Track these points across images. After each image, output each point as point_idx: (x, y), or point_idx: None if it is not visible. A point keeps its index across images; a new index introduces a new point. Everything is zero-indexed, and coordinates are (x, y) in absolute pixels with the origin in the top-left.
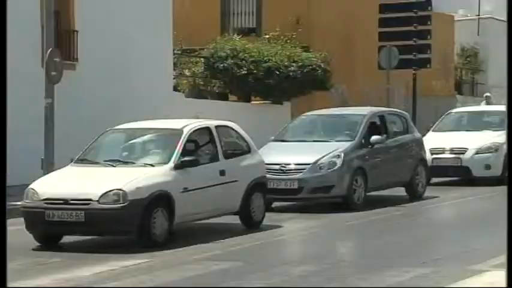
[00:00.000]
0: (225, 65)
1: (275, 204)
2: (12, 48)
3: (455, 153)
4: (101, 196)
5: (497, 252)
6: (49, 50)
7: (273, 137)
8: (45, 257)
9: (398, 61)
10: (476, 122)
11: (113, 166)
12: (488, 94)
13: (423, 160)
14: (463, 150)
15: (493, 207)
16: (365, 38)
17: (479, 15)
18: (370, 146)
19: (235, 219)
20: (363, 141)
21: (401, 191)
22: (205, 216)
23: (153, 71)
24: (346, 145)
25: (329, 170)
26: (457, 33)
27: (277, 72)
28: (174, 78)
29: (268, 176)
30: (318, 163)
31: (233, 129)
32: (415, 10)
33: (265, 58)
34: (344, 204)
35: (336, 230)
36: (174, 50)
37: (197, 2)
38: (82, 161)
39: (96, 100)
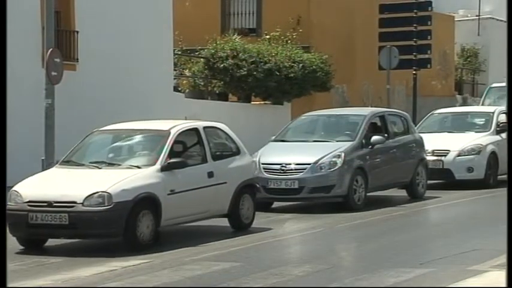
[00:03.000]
0: (225, 65)
1: (275, 204)
2: (12, 49)
3: (436, 156)
4: (85, 198)
5: (497, 253)
6: (49, 50)
7: (273, 137)
8: (45, 257)
9: (398, 61)
10: (459, 123)
11: (99, 168)
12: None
13: (424, 160)
14: (444, 153)
15: (494, 208)
16: (365, 38)
17: (479, 15)
18: (370, 147)
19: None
20: (363, 141)
21: (401, 191)
22: (193, 218)
23: (153, 71)
24: (346, 145)
25: (329, 170)
26: (457, 33)
27: (278, 73)
28: (174, 79)
29: (268, 176)
30: (319, 163)
31: (222, 130)
32: (415, 10)
33: (266, 58)
34: (344, 204)
35: (336, 230)
36: (174, 50)
37: (197, 2)
38: (67, 162)
39: (97, 100)
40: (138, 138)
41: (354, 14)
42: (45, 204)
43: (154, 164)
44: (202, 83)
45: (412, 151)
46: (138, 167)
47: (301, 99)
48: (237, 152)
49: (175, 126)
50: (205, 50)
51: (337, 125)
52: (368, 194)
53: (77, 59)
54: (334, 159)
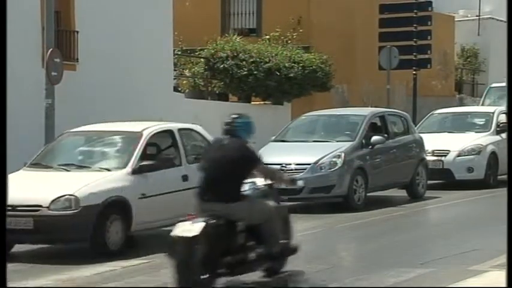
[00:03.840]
0: (225, 65)
1: None
2: (12, 49)
3: (436, 156)
4: (51, 202)
5: (497, 253)
6: (49, 51)
7: (273, 137)
8: (45, 257)
9: (398, 61)
10: (459, 124)
11: (67, 170)
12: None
13: (424, 160)
14: (445, 153)
15: (494, 208)
16: (365, 38)
17: (479, 15)
18: (370, 147)
19: None
20: (363, 141)
21: (401, 191)
22: (168, 223)
23: (153, 71)
24: (346, 145)
25: (330, 170)
26: (457, 33)
27: (278, 73)
28: (174, 79)
29: None
30: (319, 163)
31: (198, 132)
32: (415, 10)
33: (266, 59)
34: (344, 204)
35: (336, 230)
36: (174, 50)
37: (197, 2)
38: (35, 165)
39: (97, 100)
40: (109, 140)
41: (354, 14)
42: (9, 208)
43: (125, 166)
44: (202, 83)
45: (412, 151)
46: (108, 170)
47: (301, 99)
48: None
49: (148, 128)
50: (205, 50)
51: (337, 125)
52: (368, 194)
53: (77, 59)
54: (334, 160)
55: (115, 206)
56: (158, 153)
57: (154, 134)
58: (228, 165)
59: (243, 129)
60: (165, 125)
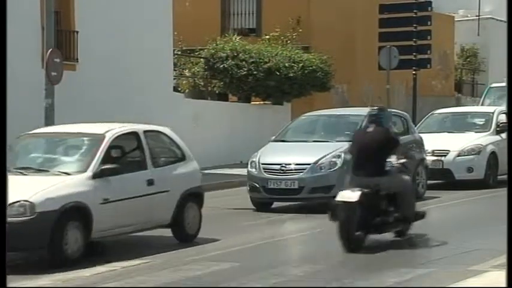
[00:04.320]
0: (225, 65)
1: (275, 204)
2: (12, 49)
3: (436, 156)
4: None
5: (498, 253)
6: (49, 51)
7: (273, 137)
8: (45, 257)
9: (398, 61)
10: (459, 124)
11: (24, 174)
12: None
13: (423, 160)
14: (444, 153)
15: (494, 208)
16: (365, 38)
17: (479, 15)
18: None
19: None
20: None
21: None
22: (131, 230)
23: (153, 72)
24: (346, 145)
25: (329, 170)
26: (457, 33)
27: (278, 73)
28: (174, 79)
29: (268, 176)
30: (319, 163)
31: (165, 134)
32: (415, 10)
33: (266, 59)
34: None
35: (336, 230)
36: (174, 51)
37: (197, 2)
38: None
39: (96, 100)
40: (71, 142)
41: (354, 14)
42: None
43: (85, 170)
44: (202, 83)
45: (412, 151)
46: (68, 174)
47: (301, 99)
48: (182, 158)
49: (111, 129)
50: (205, 50)
51: (337, 125)
52: None
53: (77, 59)
54: (334, 160)
55: (74, 212)
56: (122, 157)
57: (118, 136)
58: (375, 147)
59: (384, 119)
60: (130, 127)
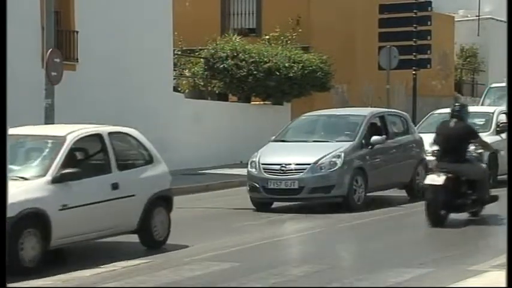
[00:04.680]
0: (225, 65)
1: (275, 204)
2: (12, 49)
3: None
4: None
5: (497, 253)
6: (49, 51)
7: (273, 137)
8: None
9: (398, 61)
10: None
11: None
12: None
13: (423, 160)
14: None
15: (494, 208)
16: (365, 38)
17: (479, 15)
18: (370, 147)
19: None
20: (363, 141)
21: (401, 192)
22: (94, 236)
23: (153, 72)
24: (346, 145)
25: (329, 170)
26: (457, 33)
27: (278, 73)
28: (174, 79)
29: (268, 176)
30: (319, 163)
31: (132, 136)
32: (415, 10)
33: (265, 59)
34: (344, 205)
35: (336, 230)
36: (174, 51)
37: (197, 2)
38: None
39: (96, 100)
40: (29, 145)
41: (354, 14)
42: None
43: (44, 174)
44: (202, 83)
45: (411, 151)
46: (25, 179)
47: (301, 99)
48: (150, 160)
49: (73, 131)
50: (205, 50)
51: (337, 125)
52: (368, 194)
53: (77, 59)
54: (334, 160)
55: (31, 219)
56: (84, 160)
57: (81, 138)
58: (458, 139)
59: (465, 114)
60: (93, 129)
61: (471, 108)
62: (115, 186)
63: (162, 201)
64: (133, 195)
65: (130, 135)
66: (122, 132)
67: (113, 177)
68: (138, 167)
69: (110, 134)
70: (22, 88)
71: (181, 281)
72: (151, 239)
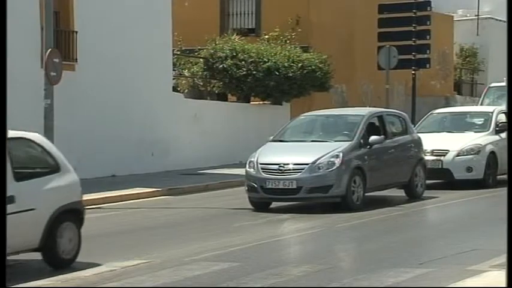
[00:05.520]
0: (225, 65)
1: (274, 204)
2: (11, 49)
3: (436, 155)
4: None
5: (497, 252)
6: (48, 51)
7: (271, 137)
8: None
9: (397, 61)
10: (458, 123)
11: None
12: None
13: (422, 160)
14: (444, 152)
15: (494, 208)
16: (364, 38)
17: (478, 15)
18: (368, 147)
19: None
20: (361, 141)
21: (400, 191)
22: None
23: (153, 72)
24: (344, 145)
25: (328, 170)
26: (456, 33)
27: (277, 73)
28: (173, 79)
29: (266, 176)
30: (317, 163)
31: (35, 142)
32: (414, 10)
33: (265, 59)
34: (343, 205)
35: (335, 230)
36: (173, 51)
37: (197, 2)
38: None
39: (96, 101)
40: None
41: (354, 14)
42: None
43: None
44: (201, 83)
45: (410, 151)
46: None
47: (300, 99)
48: (56, 169)
49: None
50: (205, 50)
51: (336, 125)
52: (366, 194)
53: (76, 59)
54: (332, 159)
55: None
56: None
57: None
58: None
59: None
60: None
61: (471, 108)
62: (10, 200)
63: (71, 214)
64: (33, 209)
65: (32, 141)
66: (22, 138)
67: (8, 190)
68: (41, 176)
69: (8, 140)
70: (21, 88)
71: (181, 281)
72: (56, 257)
